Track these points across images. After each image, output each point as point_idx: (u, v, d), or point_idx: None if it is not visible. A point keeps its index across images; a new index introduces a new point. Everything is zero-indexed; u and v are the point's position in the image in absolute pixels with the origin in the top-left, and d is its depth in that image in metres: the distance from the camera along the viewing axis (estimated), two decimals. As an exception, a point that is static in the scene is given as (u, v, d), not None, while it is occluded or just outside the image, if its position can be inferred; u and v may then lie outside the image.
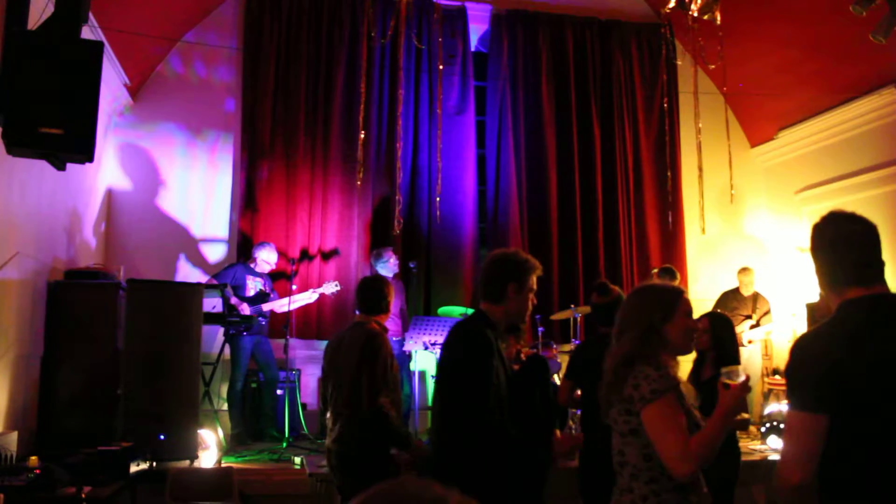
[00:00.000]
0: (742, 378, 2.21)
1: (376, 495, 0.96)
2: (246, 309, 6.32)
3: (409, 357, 6.46)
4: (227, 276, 6.45)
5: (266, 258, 6.55)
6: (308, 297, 6.60)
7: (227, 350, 6.59)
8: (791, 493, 1.89)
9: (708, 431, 2.15)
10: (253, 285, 6.48)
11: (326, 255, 7.37)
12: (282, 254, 6.98)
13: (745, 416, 2.56)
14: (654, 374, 2.17)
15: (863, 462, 1.83)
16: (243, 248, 7.14)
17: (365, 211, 7.48)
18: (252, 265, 6.55)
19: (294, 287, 6.44)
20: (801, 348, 1.95)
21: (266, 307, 6.44)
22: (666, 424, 2.12)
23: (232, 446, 6.01)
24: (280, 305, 6.48)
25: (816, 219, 2.04)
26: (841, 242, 1.95)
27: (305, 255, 7.31)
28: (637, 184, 8.21)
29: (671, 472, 2.11)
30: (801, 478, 1.87)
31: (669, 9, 5.95)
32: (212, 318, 6.42)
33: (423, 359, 6.72)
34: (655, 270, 7.02)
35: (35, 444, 4.98)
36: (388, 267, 6.61)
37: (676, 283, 6.93)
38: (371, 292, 3.80)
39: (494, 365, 2.60)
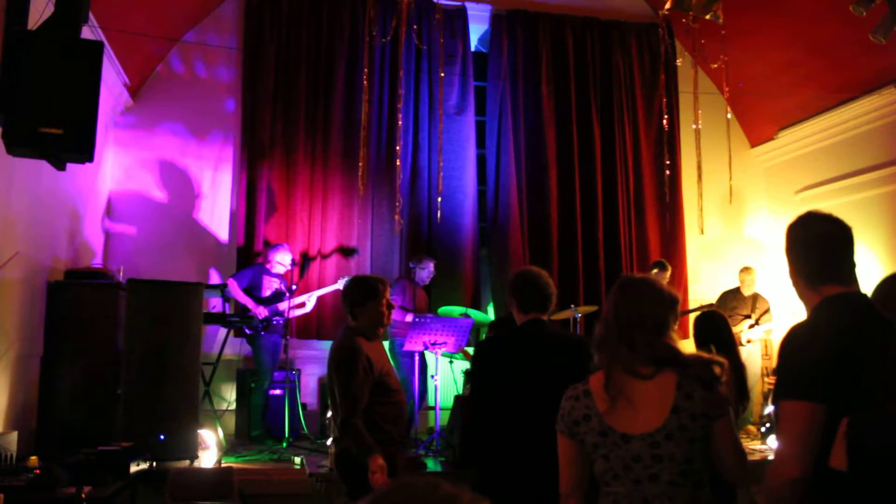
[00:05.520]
0: None
1: (386, 494, 0.94)
2: (262, 313, 6.33)
3: (417, 357, 6.41)
4: (245, 277, 6.47)
5: (280, 259, 6.54)
6: (326, 290, 6.72)
7: (227, 350, 6.62)
8: (788, 489, 1.83)
9: None
10: (269, 285, 6.49)
11: (326, 256, 7.37)
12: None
13: None
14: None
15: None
16: (243, 247, 7.14)
17: (365, 211, 7.49)
18: (268, 266, 6.56)
19: (294, 287, 6.46)
20: (795, 339, 1.96)
21: (282, 306, 6.44)
22: (736, 434, 2.04)
23: (248, 446, 6.07)
24: (299, 303, 6.53)
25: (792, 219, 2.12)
26: (821, 241, 2.02)
27: (305, 255, 7.32)
28: (637, 184, 8.21)
29: (735, 482, 2.03)
30: (800, 471, 1.81)
31: (668, 9, 5.94)
32: (212, 318, 6.44)
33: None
34: (655, 271, 7.02)
35: (35, 444, 4.98)
36: (422, 275, 6.76)
37: (667, 275, 6.96)
38: (352, 293, 3.46)
39: None
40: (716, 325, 3.96)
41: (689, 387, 2.00)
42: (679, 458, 1.97)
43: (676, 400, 1.99)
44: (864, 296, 2.06)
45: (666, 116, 7.85)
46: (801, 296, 2.09)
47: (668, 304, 2.12)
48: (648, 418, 2.00)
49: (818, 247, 2.01)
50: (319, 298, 6.89)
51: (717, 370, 2.04)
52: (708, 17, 5.73)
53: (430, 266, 6.82)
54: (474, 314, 6.74)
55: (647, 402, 2.02)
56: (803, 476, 1.81)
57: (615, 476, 2.02)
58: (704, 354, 2.08)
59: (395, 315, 6.15)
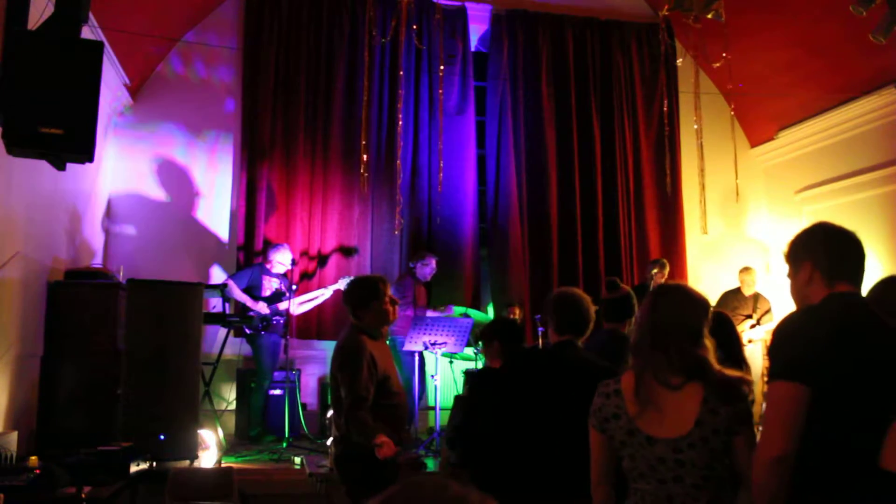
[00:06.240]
0: None
1: (395, 495, 0.94)
2: (263, 309, 6.32)
3: (417, 357, 6.40)
4: (245, 276, 6.46)
5: (280, 259, 6.53)
6: (331, 289, 6.71)
7: (227, 350, 6.61)
8: (770, 468, 1.85)
9: None
10: (269, 286, 6.49)
11: (326, 256, 7.37)
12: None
13: None
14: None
15: (842, 438, 1.86)
16: (243, 247, 7.14)
17: (365, 211, 7.49)
18: (268, 266, 6.55)
19: (295, 287, 6.45)
20: (789, 323, 2.02)
21: (282, 306, 6.43)
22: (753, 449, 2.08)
23: (248, 446, 6.05)
24: (301, 303, 6.52)
25: (816, 220, 2.19)
26: (842, 243, 2.10)
27: (305, 255, 7.32)
28: (637, 184, 8.21)
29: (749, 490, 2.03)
30: (781, 449, 1.84)
31: (668, 10, 5.94)
32: (212, 318, 6.44)
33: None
34: (655, 270, 7.01)
35: (35, 444, 4.98)
36: (425, 272, 6.74)
37: (666, 273, 6.93)
38: (353, 296, 3.51)
39: None
40: (721, 326, 3.96)
41: (714, 402, 2.04)
42: (700, 464, 2.03)
43: (701, 413, 2.04)
44: (863, 298, 2.12)
45: (666, 115, 7.85)
46: (812, 290, 2.09)
47: (702, 311, 2.16)
48: (673, 424, 2.06)
49: (840, 247, 2.09)
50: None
51: (745, 389, 2.08)
52: (710, 15, 5.72)
53: (433, 262, 6.81)
54: (474, 314, 6.74)
55: (673, 409, 2.07)
56: (785, 456, 1.84)
57: (641, 474, 2.09)
58: (735, 372, 2.10)
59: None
